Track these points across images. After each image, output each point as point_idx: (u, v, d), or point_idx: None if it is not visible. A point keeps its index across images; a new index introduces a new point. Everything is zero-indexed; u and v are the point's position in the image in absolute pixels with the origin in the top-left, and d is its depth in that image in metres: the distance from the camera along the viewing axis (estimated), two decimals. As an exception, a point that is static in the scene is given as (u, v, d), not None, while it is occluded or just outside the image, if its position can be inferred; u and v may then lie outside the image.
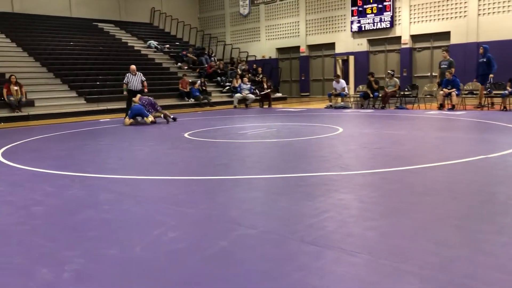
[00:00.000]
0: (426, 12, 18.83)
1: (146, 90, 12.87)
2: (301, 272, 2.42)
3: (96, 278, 2.45)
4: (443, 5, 18.37)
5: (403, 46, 19.69)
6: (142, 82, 12.62)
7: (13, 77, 13.65)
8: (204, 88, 18.26)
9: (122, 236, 3.10)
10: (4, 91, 13.49)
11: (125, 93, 12.58)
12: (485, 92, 12.64)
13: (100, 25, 23.02)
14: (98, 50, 19.72)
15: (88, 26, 22.32)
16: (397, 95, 13.97)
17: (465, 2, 17.79)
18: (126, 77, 12.53)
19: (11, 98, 13.45)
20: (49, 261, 2.69)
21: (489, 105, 12.60)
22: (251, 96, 16.81)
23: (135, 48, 21.50)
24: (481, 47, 13.09)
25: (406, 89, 14.36)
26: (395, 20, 19.67)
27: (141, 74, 12.83)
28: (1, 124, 12.39)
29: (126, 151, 6.99)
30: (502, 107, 11.85)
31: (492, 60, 12.61)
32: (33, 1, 21.48)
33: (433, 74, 18.56)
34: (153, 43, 22.39)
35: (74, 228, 3.32)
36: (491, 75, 12.62)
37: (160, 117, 11.59)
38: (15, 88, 13.55)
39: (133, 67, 12.71)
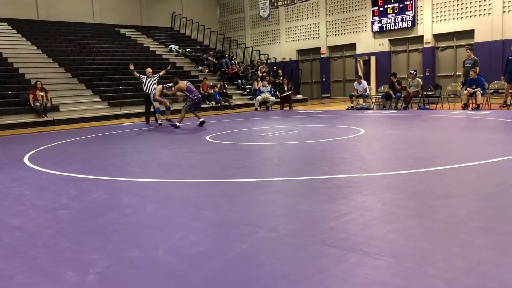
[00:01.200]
0: (449, 10, 18.53)
1: (167, 69, 13.37)
2: (322, 275, 2.40)
3: (119, 280, 2.48)
4: (466, 3, 18.04)
5: (425, 46, 19.41)
6: (157, 84, 12.76)
7: (38, 83, 13.99)
8: (224, 91, 18.36)
9: (145, 239, 3.14)
10: (30, 96, 13.83)
11: (136, 73, 12.85)
12: (511, 90, 12.33)
13: (122, 30, 23.40)
14: (120, 55, 20.03)
15: (110, 31, 22.72)
16: (419, 95, 13.76)
17: (489, 0, 17.44)
18: (141, 78, 12.74)
19: (37, 104, 13.78)
20: (74, 263, 2.74)
21: (507, 104, 12.28)
22: (272, 98, 16.82)
23: (157, 52, 21.77)
24: None
25: (429, 89, 14.13)
26: (417, 19, 19.40)
27: (156, 77, 12.95)
28: (28, 129, 12.69)
29: (149, 155, 7.07)
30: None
31: None
32: (58, 8, 21.98)
33: (457, 73, 18.23)
34: (174, 47, 22.63)
35: (98, 231, 3.38)
36: None
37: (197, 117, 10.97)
38: (41, 93, 13.88)
39: (149, 69, 12.90)
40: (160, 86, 11.67)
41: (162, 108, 11.90)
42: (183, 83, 10.81)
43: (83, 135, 10.51)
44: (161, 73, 13.12)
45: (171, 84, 11.32)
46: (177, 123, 10.86)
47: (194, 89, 10.94)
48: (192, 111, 10.97)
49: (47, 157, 7.32)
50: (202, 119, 10.87)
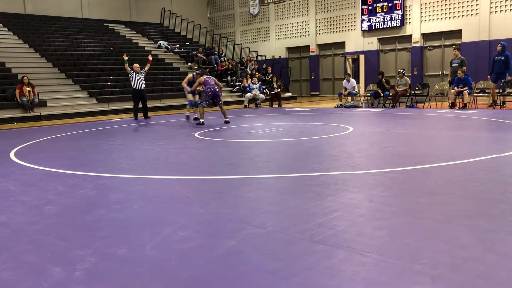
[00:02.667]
0: (437, 10, 18.68)
1: (150, 61, 13.24)
2: (310, 271, 2.42)
3: (107, 277, 2.47)
4: (454, 3, 18.21)
5: (414, 45, 19.55)
6: (144, 79, 12.74)
7: (25, 78, 13.82)
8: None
9: (133, 235, 3.12)
10: (17, 92, 13.66)
11: (126, 65, 12.71)
12: (497, 90, 12.48)
13: (111, 25, 23.21)
14: (109, 50, 19.86)
15: (99, 27, 22.52)
16: (408, 94, 13.88)
17: (476, 0, 17.62)
18: (130, 74, 12.66)
19: (24, 99, 13.62)
20: (61, 260, 2.72)
21: (501, 104, 12.45)
22: (261, 95, 16.82)
23: (146, 48, 21.63)
24: (499, 44, 12.76)
25: (417, 88, 14.26)
26: (406, 18, 19.54)
27: (143, 73, 12.89)
28: (14, 124, 12.54)
29: (137, 151, 7.03)
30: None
31: (510, 59, 12.32)
32: (45, 2, 21.72)
33: (444, 72, 18.40)
34: (163, 43, 22.50)
35: (85, 227, 3.35)
36: (509, 78, 12.35)
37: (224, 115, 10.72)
38: (28, 89, 13.71)
39: (136, 65, 12.83)
40: (190, 75, 11.59)
41: (195, 101, 11.65)
42: (203, 77, 10.52)
43: (70, 130, 10.41)
44: (146, 68, 13.05)
45: (199, 71, 11.20)
46: (200, 120, 10.50)
47: (212, 82, 10.51)
48: (209, 105, 10.58)
49: (33, 152, 7.24)
50: (227, 119, 10.57)
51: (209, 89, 10.37)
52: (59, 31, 20.44)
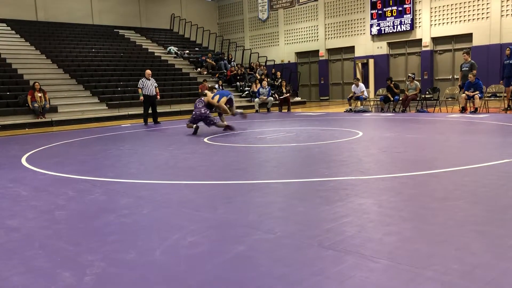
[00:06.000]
0: (447, 14, 18.59)
1: (158, 97, 13.09)
2: (318, 277, 2.40)
3: (116, 282, 2.48)
4: (464, 7, 18.11)
5: (423, 49, 19.46)
6: (155, 87, 12.85)
7: (37, 84, 13.98)
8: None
9: (142, 240, 3.13)
10: (29, 97, 13.83)
11: (141, 98, 12.75)
12: (505, 94, 12.38)
13: (121, 32, 23.42)
14: (119, 56, 20.03)
15: (109, 33, 22.74)
16: (418, 98, 13.79)
17: (487, 3, 17.50)
18: (140, 82, 12.75)
19: (35, 105, 13.77)
20: (71, 265, 2.74)
21: (511, 108, 12.32)
22: (271, 98, 16.86)
23: (156, 54, 21.78)
24: (508, 48, 12.73)
25: (427, 92, 14.18)
26: (416, 22, 19.46)
27: (154, 79, 13.04)
28: (26, 130, 12.68)
29: (147, 156, 7.06)
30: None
31: None
32: (56, 9, 21.99)
33: (455, 76, 18.28)
34: (173, 49, 22.65)
35: (95, 232, 3.37)
36: None
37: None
38: (39, 94, 13.87)
39: (148, 71, 12.92)
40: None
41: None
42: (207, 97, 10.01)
43: (81, 136, 10.50)
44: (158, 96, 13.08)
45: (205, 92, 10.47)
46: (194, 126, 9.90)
47: (200, 105, 9.93)
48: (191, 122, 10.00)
49: (44, 158, 7.31)
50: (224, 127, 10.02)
51: (193, 113, 9.94)
52: (70, 38, 20.67)
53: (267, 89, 17.03)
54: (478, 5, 17.76)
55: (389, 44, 20.63)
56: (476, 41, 17.83)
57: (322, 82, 23.58)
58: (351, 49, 22.01)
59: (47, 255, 2.93)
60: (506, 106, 12.44)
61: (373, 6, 20.52)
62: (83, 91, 16.57)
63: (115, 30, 23.36)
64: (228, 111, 10.44)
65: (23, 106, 13.96)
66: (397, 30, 19.91)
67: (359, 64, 21.32)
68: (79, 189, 4.82)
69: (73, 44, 20.02)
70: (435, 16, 18.93)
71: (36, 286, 2.48)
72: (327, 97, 23.38)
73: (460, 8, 18.22)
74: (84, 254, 2.90)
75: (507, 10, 17.07)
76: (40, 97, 13.87)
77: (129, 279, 2.50)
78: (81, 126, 13.24)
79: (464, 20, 18.19)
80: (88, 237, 3.25)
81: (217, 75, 21.08)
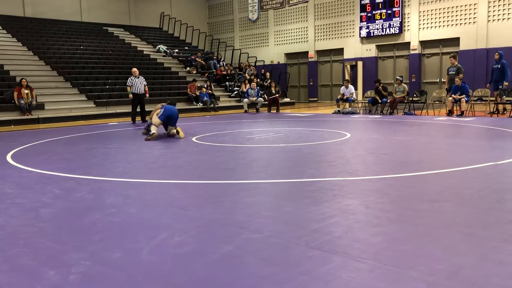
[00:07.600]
0: (436, 18, 18.79)
1: (147, 95, 13.02)
2: (305, 277, 2.41)
3: (102, 280, 2.46)
4: (452, 11, 18.32)
5: (412, 52, 19.64)
6: (144, 86, 12.78)
7: (23, 80, 13.81)
8: (210, 92, 18.36)
9: (129, 239, 3.11)
10: (15, 94, 13.65)
11: (130, 96, 12.68)
12: (493, 98, 12.55)
13: (110, 29, 23.24)
14: (107, 54, 19.88)
15: (98, 30, 22.55)
16: (405, 101, 13.92)
17: (474, 8, 17.73)
18: (129, 80, 12.68)
19: (22, 101, 13.60)
20: (56, 263, 2.71)
21: (498, 112, 12.50)
22: (260, 99, 16.88)
23: (145, 52, 21.66)
24: (496, 53, 12.92)
25: (415, 95, 14.31)
26: (404, 26, 19.64)
27: (143, 78, 12.97)
28: (12, 127, 12.52)
29: (134, 155, 7.02)
30: (511, 114, 11.75)
31: (506, 67, 12.48)
32: (44, 5, 21.75)
33: (442, 80, 18.48)
34: (162, 47, 22.54)
35: (81, 230, 3.34)
36: (505, 83, 12.47)
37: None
38: (26, 91, 13.70)
39: (135, 69, 12.84)
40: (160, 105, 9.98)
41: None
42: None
43: (68, 134, 10.39)
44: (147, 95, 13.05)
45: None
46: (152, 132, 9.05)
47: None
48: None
49: (30, 155, 7.22)
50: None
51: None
52: (58, 34, 20.46)
53: (256, 90, 17.04)
54: (465, 10, 17.98)
55: (378, 46, 20.78)
56: (463, 45, 18.05)
57: (311, 83, 23.67)
58: (340, 51, 22.13)
59: (32, 253, 2.89)
60: (492, 110, 12.60)
61: (363, 8, 20.65)
62: (71, 89, 16.40)
63: (104, 27, 23.17)
64: (154, 129, 9.07)
65: (9, 102, 13.77)
66: (386, 33, 20.07)
67: (348, 66, 21.45)
68: (66, 187, 4.77)
69: (61, 41, 19.82)
70: (423, 19, 19.12)
71: (20, 284, 2.45)
72: (316, 99, 23.48)
73: (448, 12, 18.43)
74: (70, 252, 2.87)
75: (493, 16, 17.31)
76: (27, 93, 13.71)
77: (116, 278, 2.48)
78: (68, 124, 13.11)
79: (452, 25, 18.40)
80: (74, 236, 3.22)
81: (206, 75, 21.03)
